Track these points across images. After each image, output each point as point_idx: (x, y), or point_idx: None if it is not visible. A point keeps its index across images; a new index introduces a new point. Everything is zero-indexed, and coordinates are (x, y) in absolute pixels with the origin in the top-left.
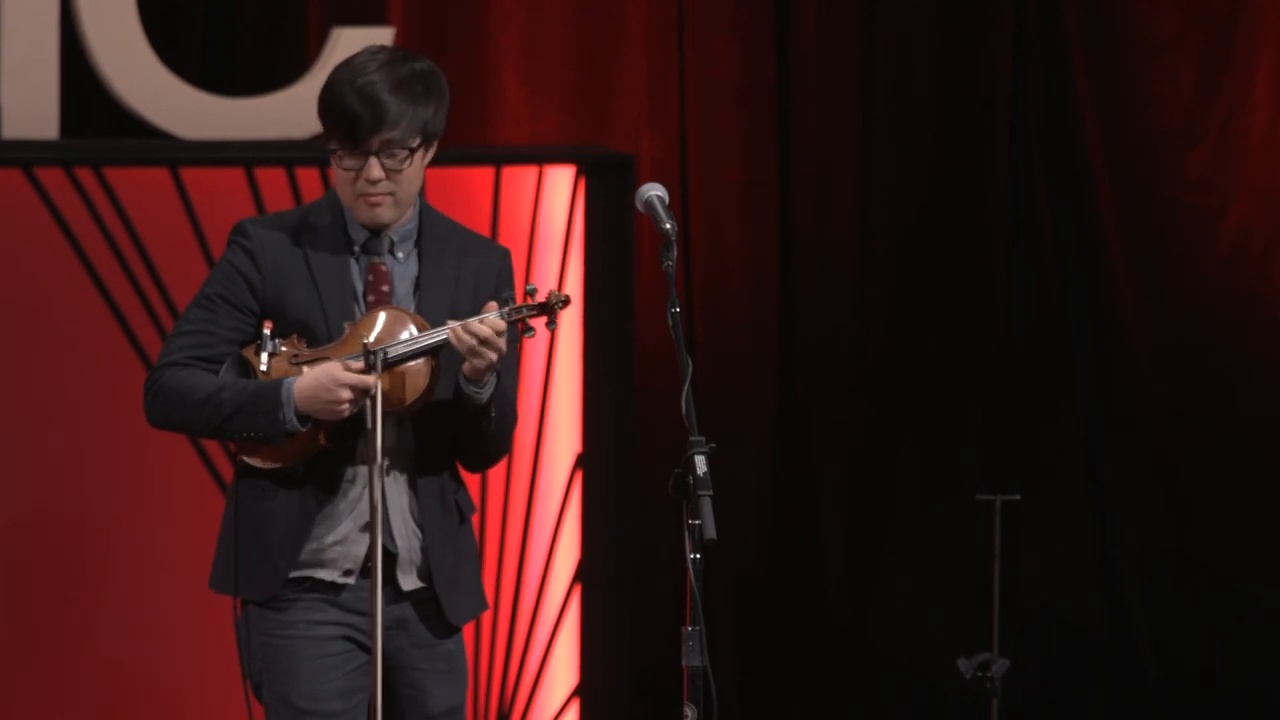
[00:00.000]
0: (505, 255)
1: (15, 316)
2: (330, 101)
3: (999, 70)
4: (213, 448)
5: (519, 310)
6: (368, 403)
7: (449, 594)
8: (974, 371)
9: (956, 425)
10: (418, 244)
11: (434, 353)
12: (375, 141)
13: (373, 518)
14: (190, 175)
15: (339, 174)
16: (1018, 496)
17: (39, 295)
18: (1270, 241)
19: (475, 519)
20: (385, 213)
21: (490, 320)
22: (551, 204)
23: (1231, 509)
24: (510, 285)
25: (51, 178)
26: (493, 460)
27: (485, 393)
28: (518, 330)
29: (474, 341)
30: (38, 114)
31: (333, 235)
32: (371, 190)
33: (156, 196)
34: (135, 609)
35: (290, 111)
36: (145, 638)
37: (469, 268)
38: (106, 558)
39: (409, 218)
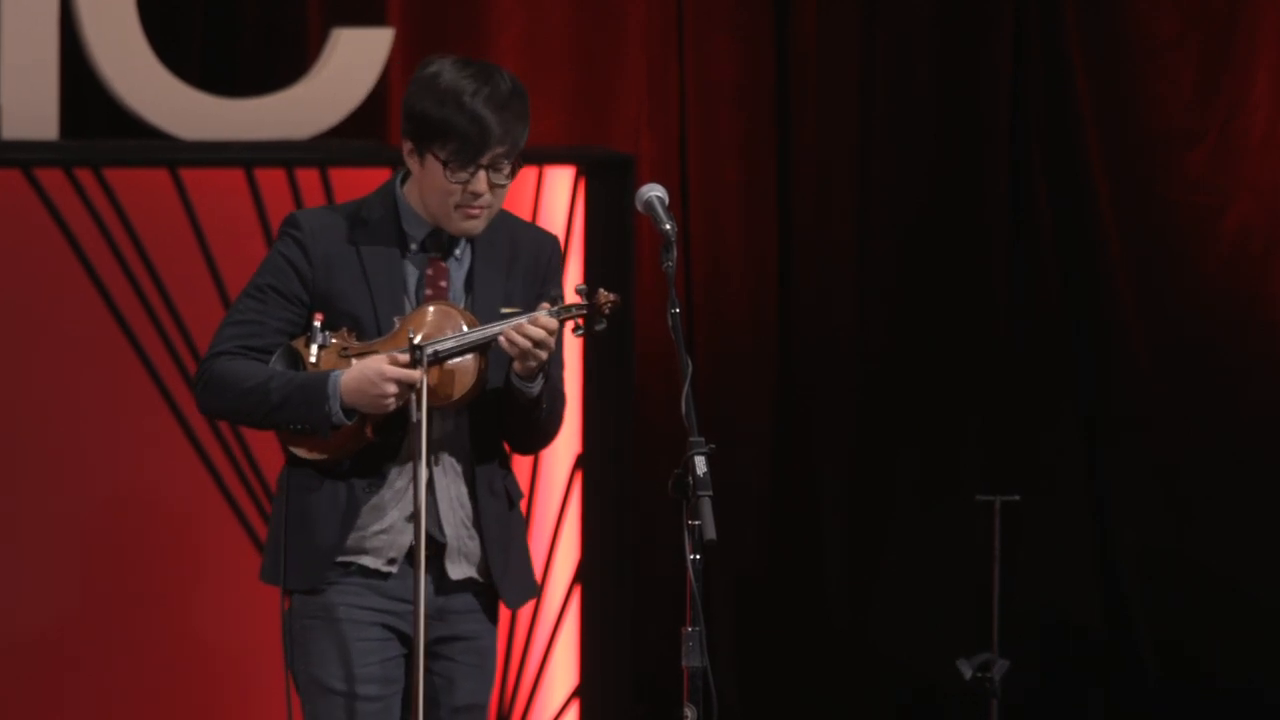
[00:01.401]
0: (555, 243)
1: (15, 317)
2: (442, 117)
3: (999, 70)
4: (213, 449)
5: (569, 310)
6: (413, 397)
7: (503, 575)
8: (974, 372)
9: (956, 425)
10: (470, 239)
11: (482, 349)
12: (487, 157)
13: (416, 511)
14: (190, 176)
15: (438, 184)
16: (1017, 497)
17: (39, 296)
18: (1270, 241)
19: None
20: (479, 225)
21: (542, 320)
22: (551, 204)
23: (1231, 509)
24: (559, 271)
25: (51, 178)
26: (542, 444)
27: (535, 388)
28: (566, 327)
29: (528, 344)
30: (37, 115)
31: (385, 230)
32: (473, 204)
33: (156, 197)
34: (135, 608)
35: (290, 112)
36: (144, 637)
37: (521, 256)
38: (106, 558)
39: None
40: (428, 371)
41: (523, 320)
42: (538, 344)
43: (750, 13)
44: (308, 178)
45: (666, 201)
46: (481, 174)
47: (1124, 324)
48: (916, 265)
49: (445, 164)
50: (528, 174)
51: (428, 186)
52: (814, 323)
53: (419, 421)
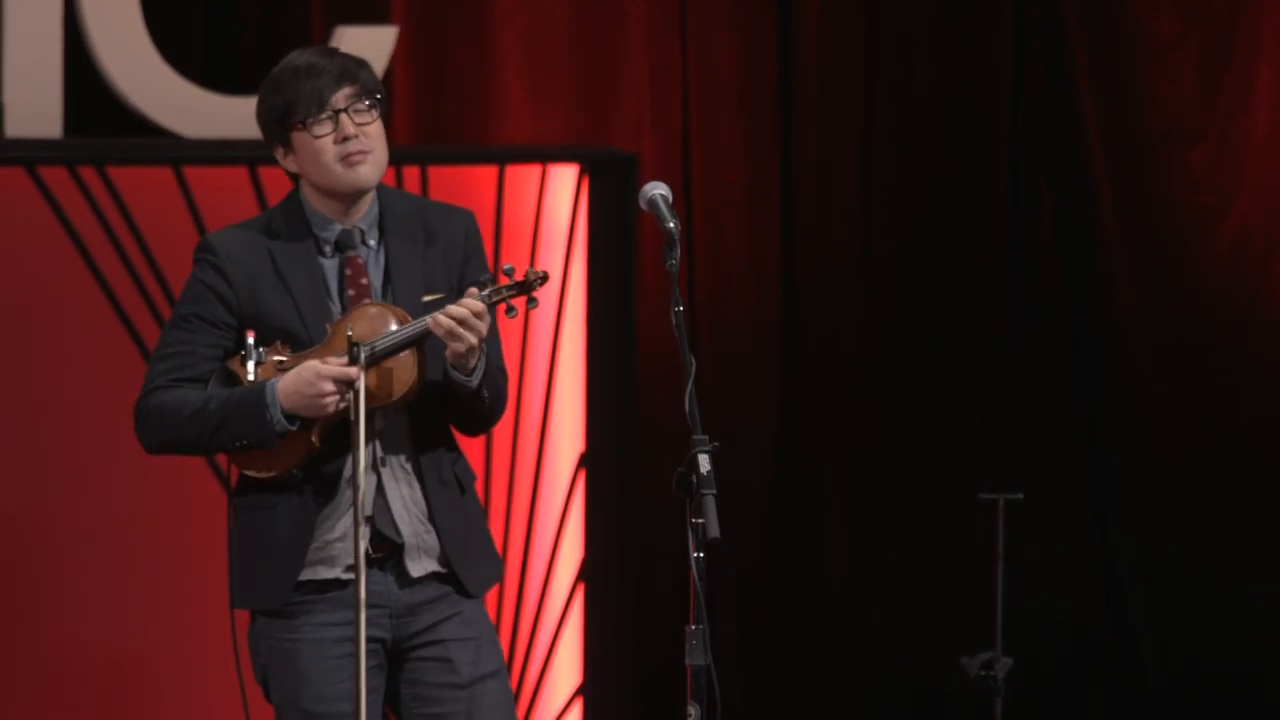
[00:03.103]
0: (469, 216)
1: (18, 316)
2: (280, 86)
3: (999, 70)
4: None
5: (499, 291)
6: (353, 398)
7: (463, 564)
8: (974, 371)
9: (957, 425)
10: (381, 228)
11: (418, 344)
12: (340, 97)
13: (356, 512)
14: (194, 174)
15: (312, 148)
16: (1021, 495)
17: (42, 294)
18: (1271, 242)
19: None
20: (368, 170)
21: (468, 303)
22: (555, 203)
23: (1231, 509)
24: (479, 247)
25: (55, 176)
26: (490, 425)
27: (474, 380)
28: (498, 311)
29: (452, 323)
30: (41, 113)
31: (299, 237)
32: (352, 148)
33: (160, 195)
34: (137, 609)
35: None
36: (147, 638)
37: (436, 239)
38: (109, 558)
39: (370, 203)
40: (366, 372)
41: (451, 305)
42: (463, 322)
43: (752, 12)
44: None
45: (670, 200)
46: (343, 118)
47: (1124, 324)
48: (917, 265)
49: (305, 125)
50: (531, 173)
51: (308, 165)
52: (815, 322)
53: (357, 419)
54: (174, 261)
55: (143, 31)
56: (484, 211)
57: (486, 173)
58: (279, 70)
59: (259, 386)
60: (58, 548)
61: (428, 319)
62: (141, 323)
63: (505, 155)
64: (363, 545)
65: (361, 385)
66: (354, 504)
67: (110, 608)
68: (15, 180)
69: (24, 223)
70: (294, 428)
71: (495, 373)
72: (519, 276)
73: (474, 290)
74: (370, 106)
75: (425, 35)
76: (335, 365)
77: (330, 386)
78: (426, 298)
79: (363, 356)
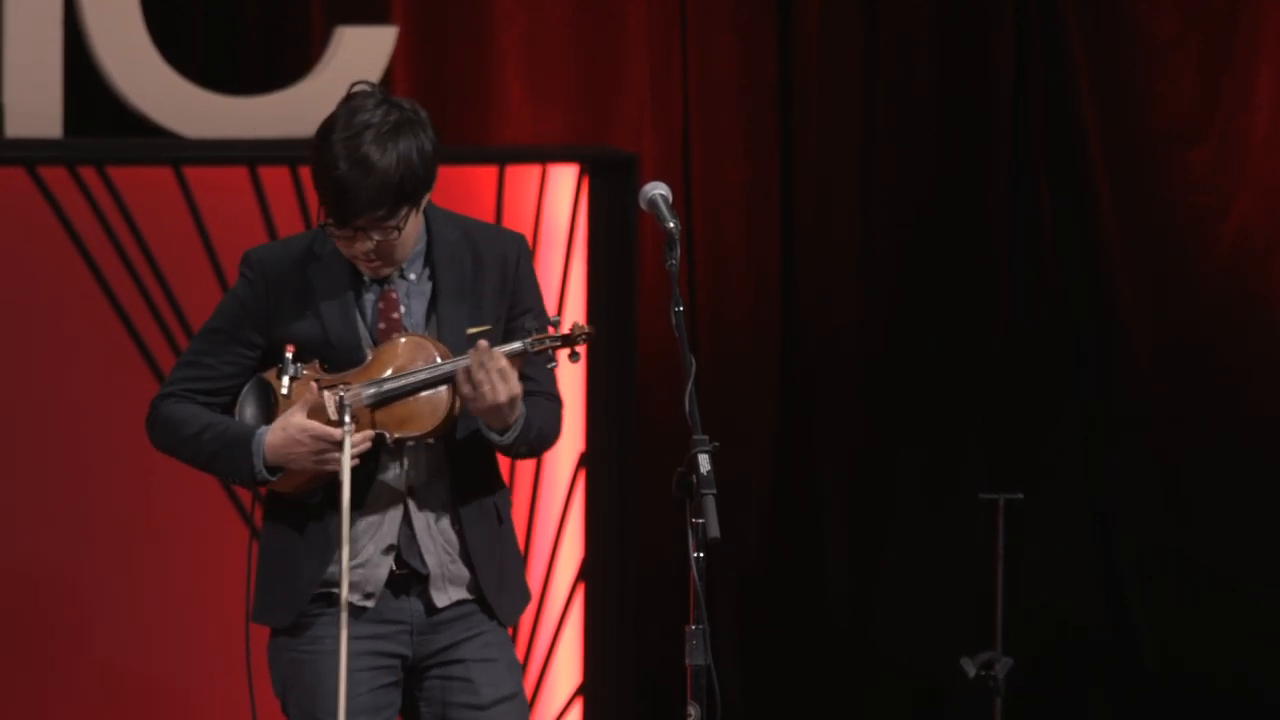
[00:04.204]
0: (520, 241)
1: (18, 316)
2: (319, 174)
3: (999, 70)
4: None
5: (541, 342)
6: (384, 438)
7: (497, 595)
8: (975, 371)
9: (957, 425)
10: (429, 257)
11: (445, 384)
12: (366, 220)
13: (343, 562)
14: (194, 174)
15: (335, 238)
16: (1021, 495)
17: (42, 295)
18: (1271, 242)
19: None
20: (386, 270)
21: (501, 360)
22: (555, 203)
23: (1231, 509)
24: (529, 272)
25: (55, 177)
26: (539, 454)
27: (508, 438)
28: (541, 358)
29: (469, 391)
30: (41, 113)
31: (338, 263)
32: (366, 261)
33: (160, 195)
34: (138, 612)
35: (293, 110)
36: (147, 642)
37: (485, 264)
38: (109, 560)
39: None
40: (389, 407)
41: (474, 365)
42: (479, 385)
43: (752, 12)
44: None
45: (670, 200)
46: (361, 235)
47: (1124, 324)
48: (917, 265)
49: (325, 225)
50: (531, 173)
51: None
52: (815, 322)
53: (343, 480)
54: (174, 261)
55: (143, 31)
56: (484, 212)
57: (486, 173)
58: (335, 142)
59: (248, 432)
60: (56, 548)
61: (460, 362)
62: (141, 323)
63: (505, 155)
64: (345, 594)
65: (347, 443)
66: (341, 560)
67: (109, 610)
68: (15, 180)
69: (24, 223)
70: (275, 479)
71: (538, 422)
72: (564, 329)
73: (517, 342)
74: (395, 229)
75: (425, 35)
76: (321, 426)
77: (318, 445)
78: (471, 330)
79: (348, 416)
